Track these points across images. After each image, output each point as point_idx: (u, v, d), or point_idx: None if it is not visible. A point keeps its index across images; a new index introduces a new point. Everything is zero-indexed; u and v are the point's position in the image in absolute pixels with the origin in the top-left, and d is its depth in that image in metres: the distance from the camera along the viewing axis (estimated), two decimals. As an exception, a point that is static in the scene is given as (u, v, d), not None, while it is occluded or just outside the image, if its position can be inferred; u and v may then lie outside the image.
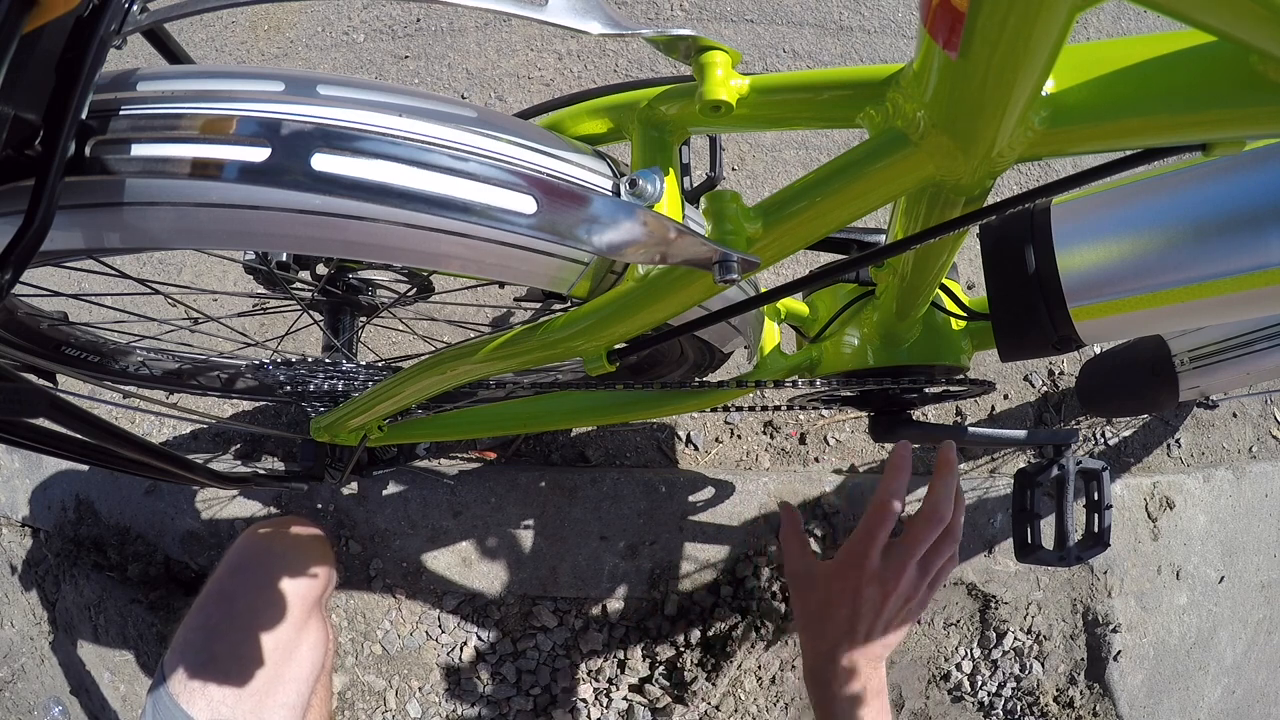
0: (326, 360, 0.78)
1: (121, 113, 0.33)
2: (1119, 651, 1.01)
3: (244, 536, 0.79)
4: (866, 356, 0.63)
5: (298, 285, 0.71)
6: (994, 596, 0.99)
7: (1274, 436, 1.17)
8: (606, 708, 0.94)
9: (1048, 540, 0.72)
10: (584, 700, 0.94)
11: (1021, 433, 0.73)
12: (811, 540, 0.95)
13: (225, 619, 0.71)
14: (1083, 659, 1.03)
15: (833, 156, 0.37)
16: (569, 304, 0.62)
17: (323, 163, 0.30)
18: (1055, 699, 1.02)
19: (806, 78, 0.38)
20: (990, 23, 0.26)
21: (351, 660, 0.96)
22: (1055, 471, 0.72)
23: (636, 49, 1.18)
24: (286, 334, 0.87)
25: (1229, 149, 0.32)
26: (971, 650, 1.01)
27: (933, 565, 0.65)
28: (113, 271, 0.56)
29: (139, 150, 0.32)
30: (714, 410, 0.84)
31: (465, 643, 0.95)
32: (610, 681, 0.95)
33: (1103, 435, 1.09)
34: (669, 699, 0.94)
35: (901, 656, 1.00)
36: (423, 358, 0.58)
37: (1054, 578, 1.01)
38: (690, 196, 0.48)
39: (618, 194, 0.41)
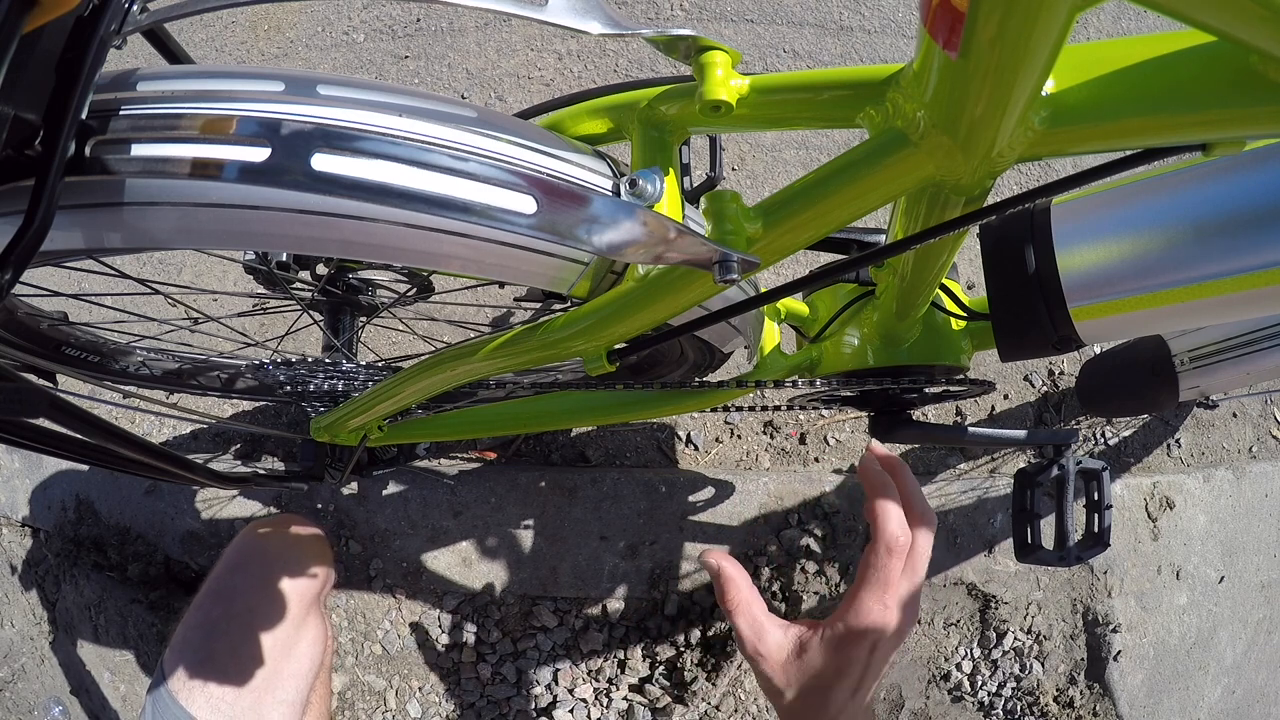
0: (326, 360, 0.78)
1: (121, 113, 0.33)
2: (1119, 651, 1.01)
3: (242, 535, 0.79)
4: (866, 356, 0.63)
5: (298, 285, 0.71)
6: (994, 596, 0.99)
7: (1274, 436, 1.16)
8: (606, 708, 0.94)
9: (1048, 540, 0.72)
10: (584, 700, 0.94)
11: (1021, 433, 0.73)
12: (811, 540, 0.95)
13: (224, 617, 0.71)
14: (1083, 659, 1.03)
15: (833, 156, 0.37)
16: (569, 304, 0.62)
17: (323, 163, 0.30)
18: (1055, 699, 1.02)
19: (806, 78, 0.38)
20: (990, 23, 0.26)
21: (351, 660, 0.96)
22: (1055, 471, 0.72)
23: (636, 49, 1.18)
24: (286, 334, 0.87)
25: (1229, 149, 0.32)
26: (971, 650, 1.01)
27: (906, 593, 0.60)
28: (113, 271, 0.56)
29: (139, 150, 0.32)
30: (714, 410, 0.84)
31: (465, 643, 0.95)
32: (610, 681, 0.95)
33: (1103, 435, 1.09)
34: (669, 699, 0.94)
35: (901, 656, 1.00)
36: (423, 358, 0.58)
37: (1054, 578, 1.01)
38: (690, 196, 0.48)
39: (618, 194, 0.41)
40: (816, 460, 1.05)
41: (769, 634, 0.62)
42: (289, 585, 0.75)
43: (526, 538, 0.95)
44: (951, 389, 0.66)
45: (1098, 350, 1.01)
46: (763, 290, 0.47)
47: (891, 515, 0.60)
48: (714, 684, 0.93)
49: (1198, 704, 1.09)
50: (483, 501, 0.95)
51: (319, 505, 0.96)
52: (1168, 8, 0.24)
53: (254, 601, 0.72)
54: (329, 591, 0.85)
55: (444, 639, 0.95)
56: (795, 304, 0.73)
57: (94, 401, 0.93)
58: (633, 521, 0.95)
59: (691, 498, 0.96)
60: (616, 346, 0.48)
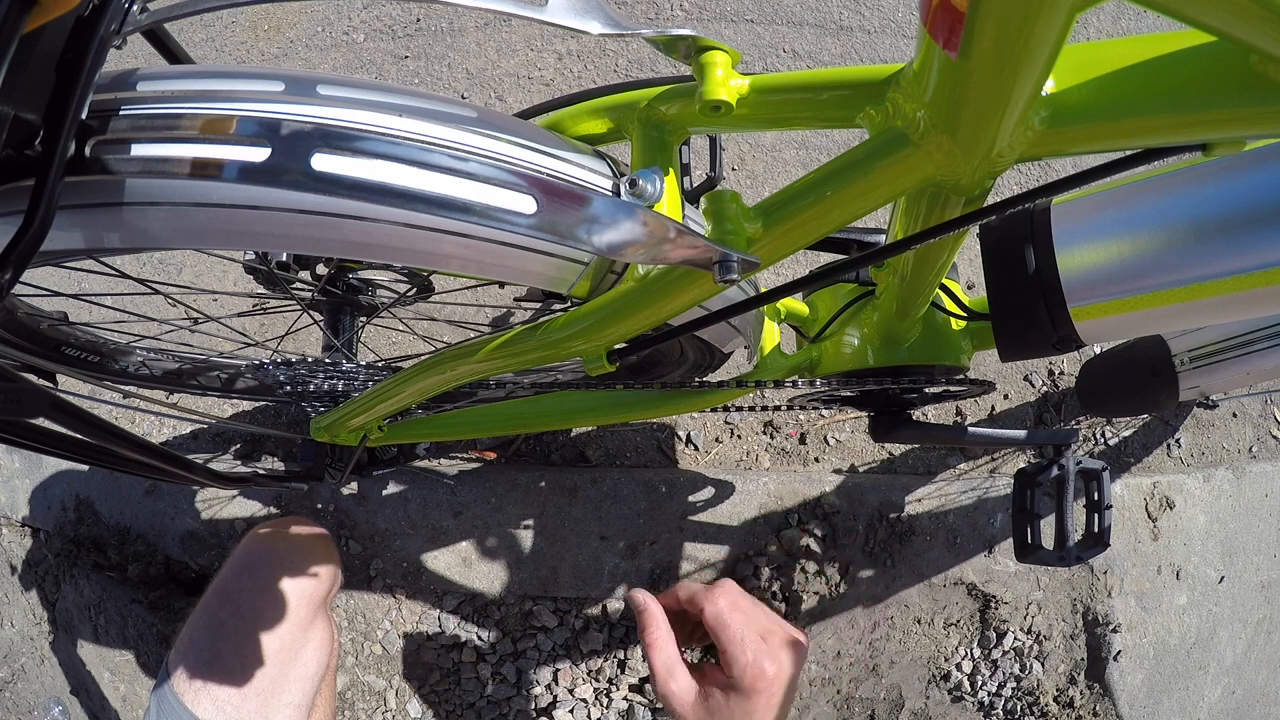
0: (326, 360, 0.78)
1: (121, 113, 0.33)
2: (1119, 651, 1.01)
3: (248, 537, 0.79)
4: (866, 356, 0.63)
5: (298, 285, 0.71)
6: (994, 596, 0.99)
7: (1274, 436, 1.16)
8: (606, 708, 0.94)
9: (1048, 540, 0.72)
10: (584, 700, 0.94)
11: (1021, 433, 0.73)
12: (811, 540, 0.95)
13: (231, 618, 0.71)
14: (1083, 659, 1.03)
15: (833, 156, 0.37)
16: (569, 304, 0.62)
17: (323, 163, 0.30)
18: (1055, 699, 1.02)
19: (806, 78, 0.38)
20: (990, 23, 0.26)
21: (352, 660, 0.96)
22: (1055, 471, 0.72)
23: (636, 49, 1.18)
24: (286, 334, 0.87)
25: (1229, 149, 0.32)
26: (971, 650, 1.01)
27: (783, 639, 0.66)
28: (113, 271, 0.56)
29: (139, 150, 0.32)
30: (714, 410, 0.84)
31: (465, 643, 0.95)
32: (610, 681, 0.95)
33: (1103, 435, 1.09)
34: (669, 699, 0.94)
35: (902, 656, 1.00)
36: (423, 358, 0.58)
37: (1054, 578, 1.01)
38: (690, 196, 0.48)
39: (618, 194, 0.41)
40: (816, 460, 1.05)
41: (679, 676, 0.67)
42: (296, 587, 0.74)
43: (526, 538, 0.95)
44: (951, 389, 0.66)
45: (1098, 350, 1.01)
46: (763, 290, 0.47)
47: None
48: (714, 684, 0.93)
49: (1198, 704, 1.09)
50: (483, 501, 0.95)
51: (319, 505, 0.96)
52: (1168, 8, 0.24)
53: (261, 603, 0.72)
54: (336, 593, 0.85)
55: (444, 639, 0.95)
56: (795, 304, 0.73)
57: (94, 401, 0.93)
58: (633, 521, 0.95)
59: (691, 498, 0.96)
60: (616, 346, 0.48)
